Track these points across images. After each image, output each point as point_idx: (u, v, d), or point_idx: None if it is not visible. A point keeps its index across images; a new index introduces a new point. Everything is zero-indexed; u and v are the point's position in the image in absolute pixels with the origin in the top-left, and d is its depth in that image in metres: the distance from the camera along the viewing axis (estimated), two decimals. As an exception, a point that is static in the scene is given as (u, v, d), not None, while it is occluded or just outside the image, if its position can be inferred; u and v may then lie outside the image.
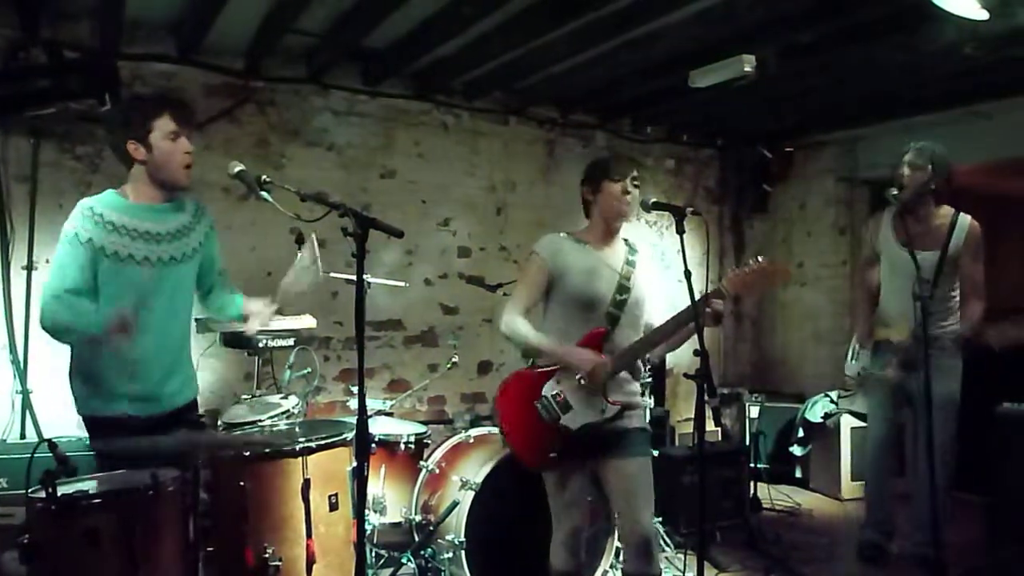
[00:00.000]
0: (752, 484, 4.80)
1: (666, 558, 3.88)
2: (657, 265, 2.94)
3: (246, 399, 3.58)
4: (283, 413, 3.32)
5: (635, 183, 2.73)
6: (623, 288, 2.72)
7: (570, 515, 2.76)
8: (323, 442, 2.69)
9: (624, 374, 2.74)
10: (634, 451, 2.70)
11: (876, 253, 3.86)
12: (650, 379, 4.04)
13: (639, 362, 2.81)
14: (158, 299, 2.57)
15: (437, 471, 3.55)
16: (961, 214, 3.63)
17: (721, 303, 2.56)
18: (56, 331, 2.44)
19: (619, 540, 2.75)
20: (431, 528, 3.36)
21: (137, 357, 2.52)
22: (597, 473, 2.77)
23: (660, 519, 3.91)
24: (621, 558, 3.76)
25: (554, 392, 2.69)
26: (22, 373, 3.86)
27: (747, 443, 5.36)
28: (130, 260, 2.48)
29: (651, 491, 2.69)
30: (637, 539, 2.64)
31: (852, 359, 3.93)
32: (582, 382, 2.64)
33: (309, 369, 3.82)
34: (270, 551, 2.49)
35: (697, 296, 2.50)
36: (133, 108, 2.60)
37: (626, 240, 2.87)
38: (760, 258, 2.60)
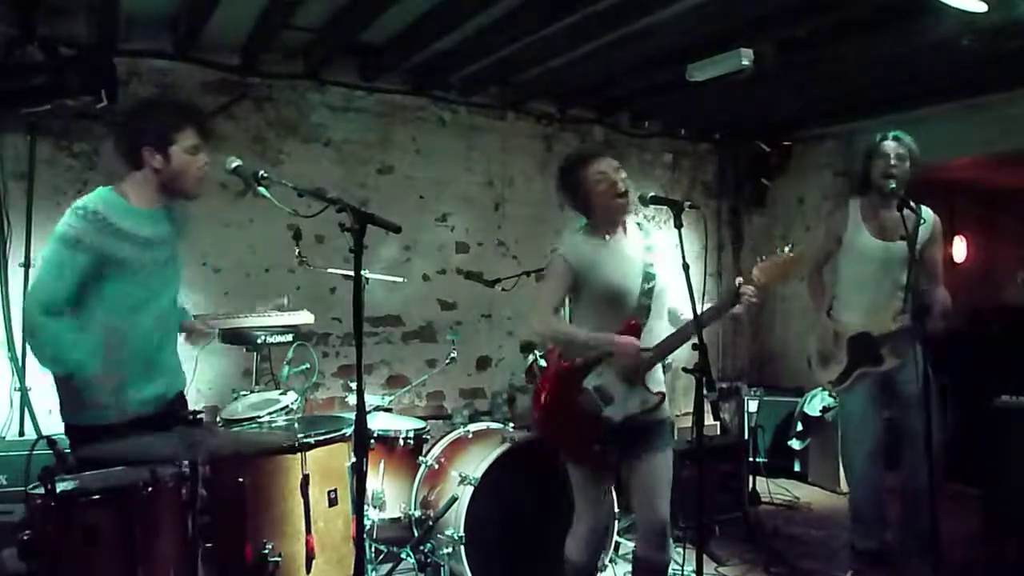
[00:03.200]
0: (751, 478, 4.81)
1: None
2: (668, 252, 2.92)
3: (244, 395, 3.57)
4: (282, 409, 3.31)
5: (616, 168, 2.74)
6: (649, 276, 2.73)
7: (598, 510, 2.80)
8: (322, 438, 2.70)
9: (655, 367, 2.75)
10: (664, 442, 2.75)
11: (834, 246, 3.81)
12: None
13: None
14: (154, 304, 2.56)
15: (436, 466, 3.56)
16: (924, 207, 3.61)
17: (753, 291, 2.58)
18: (38, 351, 2.40)
19: (635, 525, 2.78)
20: (430, 523, 3.37)
21: (148, 359, 2.53)
22: (621, 464, 2.79)
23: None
24: (620, 552, 3.79)
25: (596, 384, 2.70)
26: (20, 371, 3.86)
27: (746, 437, 5.37)
28: (130, 267, 2.46)
29: (670, 481, 2.74)
30: (655, 526, 2.69)
31: (820, 366, 3.81)
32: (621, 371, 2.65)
33: (307, 365, 3.82)
34: (269, 547, 2.50)
35: (697, 289, 2.51)
36: (157, 114, 2.53)
37: (638, 224, 2.88)
38: (787, 249, 2.60)
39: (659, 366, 2.77)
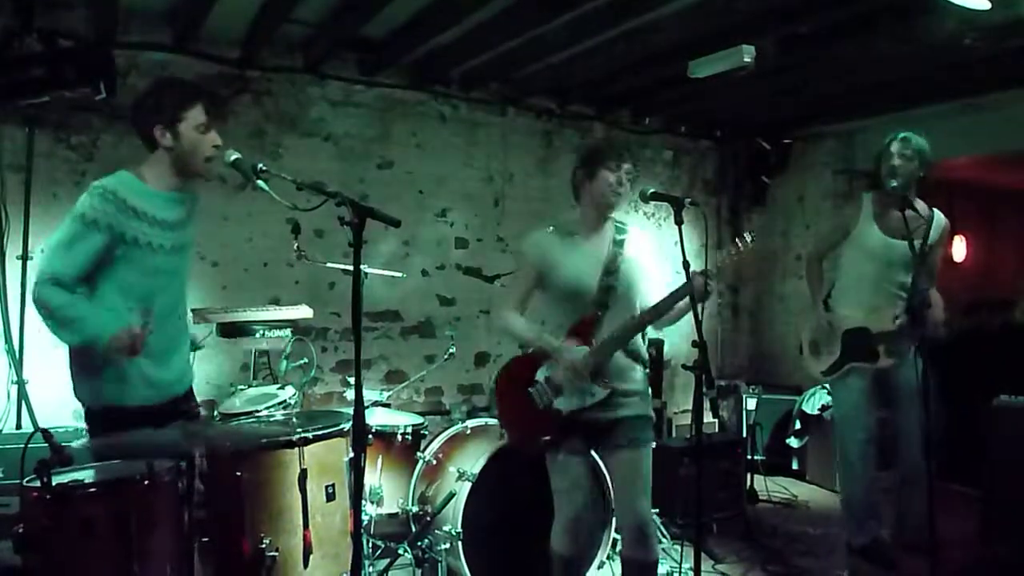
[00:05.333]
0: (749, 476, 4.81)
1: (663, 549, 3.88)
2: (652, 245, 2.92)
3: (242, 389, 3.57)
4: (280, 404, 3.31)
5: (629, 176, 2.74)
6: (608, 271, 2.73)
7: (572, 500, 2.77)
8: (320, 433, 2.69)
9: (625, 360, 2.75)
10: (631, 438, 2.72)
11: (839, 238, 3.82)
12: (647, 370, 4.03)
13: (642, 348, 2.82)
14: (170, 286, 2.58)
15: (434, 462, 3.55)
16: (935, 210, 3.62)
17: (706, 280, 2.56)
18: (54, 321, 2.38)
19: (617, 526, 2.78)
20: (428, 519, 3.36)
21: (158, 344, 2.52)
22: (599, 462, 2.79)
23: (657, 510, 3.92)
24: (618, 548, 3.78)
25: (547, 376, 2.74)
26: (18, 363, 3.85)
27: (744, 435, 5.37)
28: (147, 247, 2.46)
29: (648, 478, 2.72)
30: (634, 525, 2.68)
31: (810, 354, 3.85)
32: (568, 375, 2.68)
33: (306, 360, 3.81)
34: (267, 541, 2.49)
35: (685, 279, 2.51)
36: (165, 93, 2.52)
37: (615, 220, 2.86)
38: (748, 237, 2.62)
39: (631, 362, 2.77)
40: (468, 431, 3.65)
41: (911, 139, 3.57)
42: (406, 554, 3.41)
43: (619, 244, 2.79)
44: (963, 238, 7.84)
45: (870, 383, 3.66)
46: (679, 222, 2.54)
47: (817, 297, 3.86)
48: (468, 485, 3.25)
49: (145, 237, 2.45)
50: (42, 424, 3.47)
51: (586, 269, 2.73)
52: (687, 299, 2.57)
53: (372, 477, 3.50)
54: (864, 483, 3.73)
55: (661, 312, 2.63)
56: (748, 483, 4.80)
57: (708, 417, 2.62)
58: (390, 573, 3.44)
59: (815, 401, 5.45)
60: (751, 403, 5.33)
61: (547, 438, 2.74)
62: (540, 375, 2.75)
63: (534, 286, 2.81)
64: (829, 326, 3.74)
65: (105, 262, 2.42)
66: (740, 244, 2.62)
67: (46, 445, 2.05)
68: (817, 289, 3.88)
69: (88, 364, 2.44)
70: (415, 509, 3.50)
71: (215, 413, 3.48)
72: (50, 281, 2.37)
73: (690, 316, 2.55)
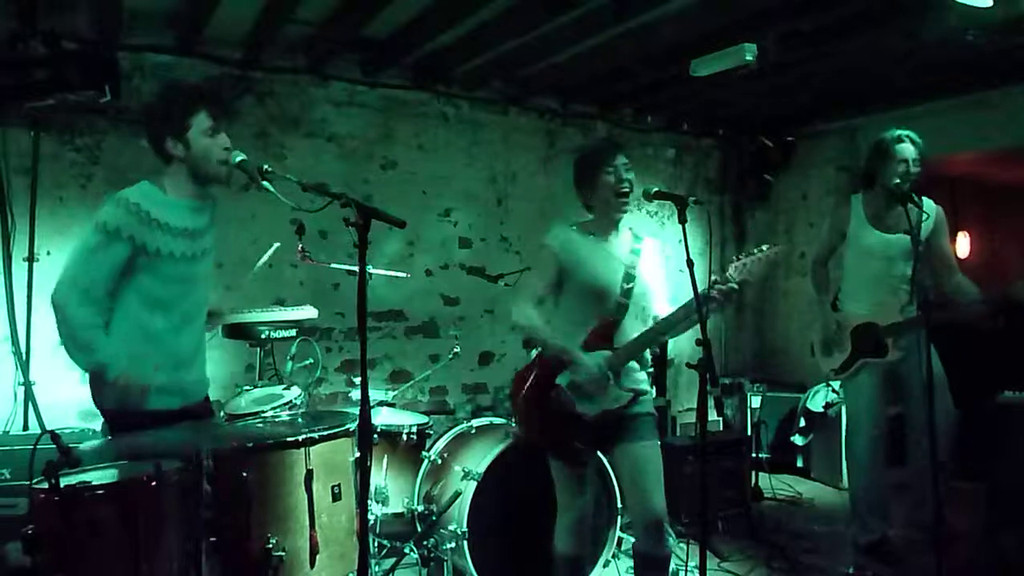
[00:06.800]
0: (753, 473, 4.81)
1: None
2: (659, 254, 2.94)
3: (248, 390, 3.58)
4: (285, 404, 3.32)
5: (626, 166, 2.75)
6: (629, 276, 2.76)
7: (579, 502, 2.80)
8: (325, 433, 2.70)
9: (633, 362, 2.77)
10: (643, 435, 2.75)
11: (837, 240, 3.83)
12: (651, 369, 4.05)
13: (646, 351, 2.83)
14: (192, 293, 2.59)
15: (439, 461, 3.56)
16: (926, 199, 3.62)
17: (720, 291, 2.54)
18: (71, 339, 2.38)
19: (631, 521, 2.78)
20: (433, 518, 3.37)
21: (184, 350, 2.55)
22: (605, 459, 2.80)
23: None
24: (623, 548, 3.79)
25: (570, 381, 2.72)
26: (24, 365, 3.86)
27: (748, 433, 5.37)
28: (169, 257, 2.48)
29: (660, 474, 2.74)
30: (649, 520, 2.68)
31: (823, 356, 3.88)
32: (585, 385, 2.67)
33: (311, 360, 3.81)
34: (273, 542, 2.50)
35: (701, 285, 2.51)
36: (171, 102, 2.54)
37: (631, 229, 2.90)
38: (764, 247, 2.59)
39: (636, 366, 2.80)
40: (473, 430, 3.66)
41: (916, 140, 3.58)
42: (412, 553, 3.42)
43: (636, 252, 2.82)
44: (966, 234, 7.83)
45: (881, 379, 3.67)
46: (683, 221, 2.53)
47: (824, 299, 3.87)
48: (473, 484, 3.26)
49: (167, 247, 2.46)
50: (49, 425, 3.49)
51: (610, 271, 2.75)
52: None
53: (377, 477, 3.51)
54: (872, 480, 3.73)
55: (681, 321, 2.62)
56: (753, 481, 4.80)
57: (712, 415, 2.62)
58: (396, 572, 3.45)
59: (819, 398, 5.44)
60: (755, 401, 5.33)
61: (579, 444, 2.75)
62: (562, 380, 2.73)
63: (555, 280, 2.78)
64: (838, 326, 3.76)
65: (127, 272, 2.44)
66: (758, 252, 2.57)
67: (54, 446, 2.06)
68: (824, 292, 3.90)
69: (97, 375, 2.45)
70: (421, 508, 3.51)
71: (221, 414, 3.49)
72: (75, 298, 2.37)
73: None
